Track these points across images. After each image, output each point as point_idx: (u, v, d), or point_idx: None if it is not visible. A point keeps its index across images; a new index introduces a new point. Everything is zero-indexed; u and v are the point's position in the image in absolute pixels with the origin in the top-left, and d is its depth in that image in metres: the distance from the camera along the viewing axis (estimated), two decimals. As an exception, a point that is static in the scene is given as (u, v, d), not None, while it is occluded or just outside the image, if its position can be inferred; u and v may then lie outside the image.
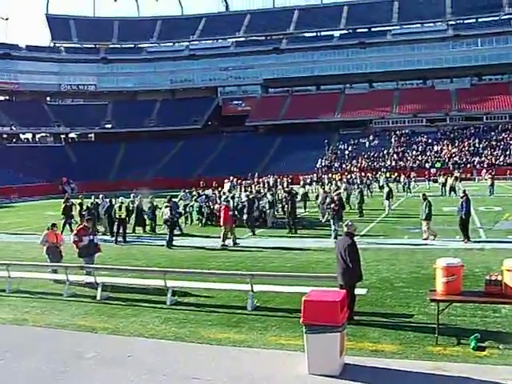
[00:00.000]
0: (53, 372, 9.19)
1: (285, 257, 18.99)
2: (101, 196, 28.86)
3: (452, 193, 41.36)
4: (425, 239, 21.03)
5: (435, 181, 52.33)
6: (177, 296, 13.47)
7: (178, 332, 10.92)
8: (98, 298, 13.92)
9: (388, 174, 55.66)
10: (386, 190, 32.38)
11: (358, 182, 46.38)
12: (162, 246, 22.24)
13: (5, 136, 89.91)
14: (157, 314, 12.30)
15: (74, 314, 12.76)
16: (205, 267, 16.29)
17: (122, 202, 25.32)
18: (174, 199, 26.07)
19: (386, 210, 30.79)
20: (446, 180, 44.78)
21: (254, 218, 26.00)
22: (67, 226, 27.43)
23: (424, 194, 22.22)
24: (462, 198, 20.92)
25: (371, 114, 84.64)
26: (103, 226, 27.30)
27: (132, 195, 28.54)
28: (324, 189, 33.45)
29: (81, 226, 16.37)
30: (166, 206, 23.31)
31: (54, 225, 17.04)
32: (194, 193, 31.70)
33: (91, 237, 15.92)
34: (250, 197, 26.69)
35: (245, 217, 25.48)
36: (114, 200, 27.30)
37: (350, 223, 11.24)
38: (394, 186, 47.41)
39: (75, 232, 16.18)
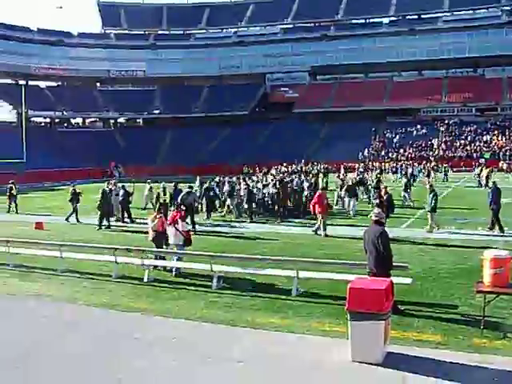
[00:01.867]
0: (99, 350, 9.48)
1: (331, 244, 19.02)
2: (113, 181, 28.92)
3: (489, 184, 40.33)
4: (429, 231, 20.77)
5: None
6: (222, 280, 13.66)
7: (223, 316, 11.07)
8: (146, 280, 14.22)
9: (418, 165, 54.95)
10: (403, 180, 31.69)
11: (378, 171, 45.76)
12: (199, 232, 22.30)
13: (56, 121, 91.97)
14: (202, 298, 12.50)
15: (122, 294, 13.07)
16: (250, 253, 16.40)
17: (164, 187, 25.49)
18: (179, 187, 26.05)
19: (407, 202, 30.08)
20: (481, 171, 43.87)
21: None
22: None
23: (431, 185, 21.74)
24: (490, 188, 20.60)
25: (420, 103, 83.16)
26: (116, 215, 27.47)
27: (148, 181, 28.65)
28: (339, 176, 33.01)
29: (179, 213, 15.64)
30: (188, 193, 23.15)
31: (160, 210, 16.56)
32: (216, 180, 31.13)
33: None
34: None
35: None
36: (130, 188, 27.61)
37: (377, 211, 11.13)
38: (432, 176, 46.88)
39: (182, 217, 15.51)
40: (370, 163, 63.17)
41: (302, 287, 12.71)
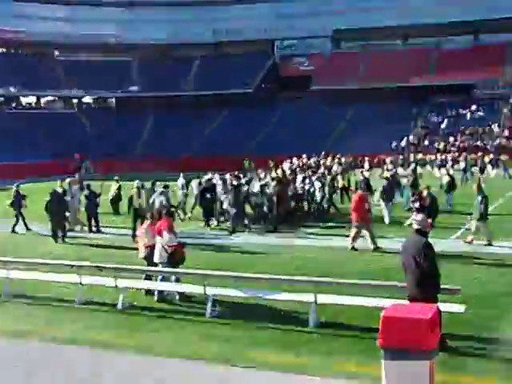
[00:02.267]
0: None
1: (361, 259, 19.13)
2: (68, 180, 28.97)
3: None
4: (468, 242, 20.85)
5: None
6: (219, 306, 13.69)
7: (220, 352, 11.08)
8: (120, 306, 14.23)
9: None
10: (445, 179, 31.44)
11: (413, 165, 45.56)
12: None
13: (1, 100, 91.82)
14: (194, 329, 12.52)
15: (89, 325, 13.08)
16: (252, 271, 16.39)
17: (139, 188, 25.46)
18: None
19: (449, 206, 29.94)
20: None
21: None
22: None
23: (479, 186, 21.60)
24: None
25: (475, 77, 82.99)
26: (78, 223, 27.76)
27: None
28: (362, 173, 32.58)
29: (170, 221, 15.65)
30: (161, 193, 23.12)
31: (152, 216, 16.36)
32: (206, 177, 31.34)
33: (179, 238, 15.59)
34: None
35: None
36: (98, 188, 27.87)
37: (420, 217, 11.04)
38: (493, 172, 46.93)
39: (168, 227, 15.26)
40: (409, 156, 62.85)
41: (321, 315, 12.72)
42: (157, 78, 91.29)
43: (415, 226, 10.83)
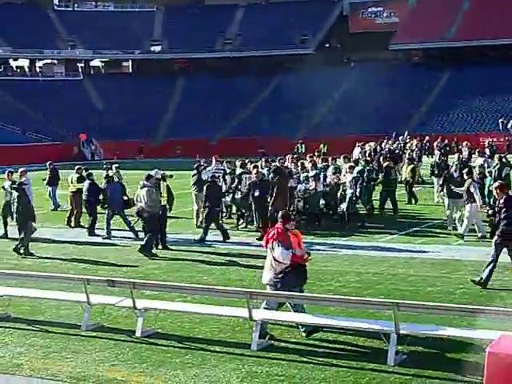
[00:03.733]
0: None
1: (455, 276, 18.89)
2: (21, 170, 29.19)
3: None
4: None
5: None
6: (268, 335, 13.62)
7: (269, 397, 11.08)
8: (138, 334, 14.24)
9: None
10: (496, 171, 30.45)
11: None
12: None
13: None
14: (234, 365, 12.42)
15: (98, 359, 13.04)
16: (314, 289, 16.37)
17: (162, 178, 25.48)
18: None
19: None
20: None
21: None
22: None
23: None
24: None
25: None
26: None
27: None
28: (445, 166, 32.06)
29: (279, 227, 14.50)
30: (144, 187, 23.11)
31: (287, 217, 15.31)
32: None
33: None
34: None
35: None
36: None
37: None
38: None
39: (279, 238, 14.18)
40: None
41: (404, 349, 12.59)
42: (187, 34, 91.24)
43: None
